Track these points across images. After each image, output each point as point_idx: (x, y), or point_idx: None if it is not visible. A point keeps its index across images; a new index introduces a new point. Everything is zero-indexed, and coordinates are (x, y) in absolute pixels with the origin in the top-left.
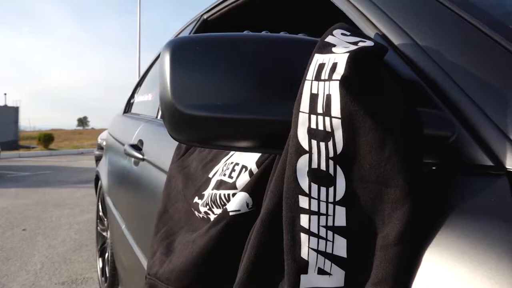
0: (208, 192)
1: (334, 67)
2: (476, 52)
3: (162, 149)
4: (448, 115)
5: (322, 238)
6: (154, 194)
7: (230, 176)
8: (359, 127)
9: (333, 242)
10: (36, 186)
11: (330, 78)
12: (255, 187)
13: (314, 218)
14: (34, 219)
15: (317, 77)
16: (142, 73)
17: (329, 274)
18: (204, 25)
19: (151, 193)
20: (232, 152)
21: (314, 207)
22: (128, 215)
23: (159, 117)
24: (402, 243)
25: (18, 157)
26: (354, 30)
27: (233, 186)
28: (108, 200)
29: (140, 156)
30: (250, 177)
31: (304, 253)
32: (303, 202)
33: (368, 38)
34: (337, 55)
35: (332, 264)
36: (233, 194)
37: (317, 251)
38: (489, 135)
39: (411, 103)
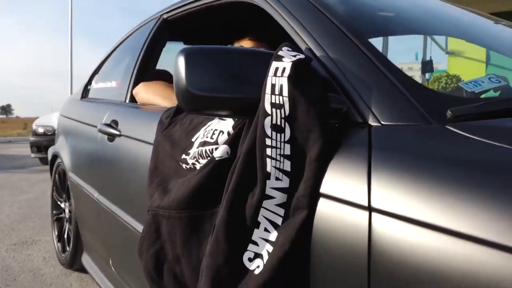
0: (194, 150)
1: (284, 69)
2: (356, 61)
3: (139, 126)
4: (343, 97)
5: (278, 160)
6: (134, 161)
7: (211, 138)
8: (297, 102)
9: (283, 162)
10: None
11: (282, 75)
12: (232, 142)
13: (274, 150)
14: None
15: (275, 74)
16: (72, 57)
17: (281, 180)
18: (164, 24)
19: (131, 160)
20: (209, 123)
21: (274, 144)
22: (103, 183)
23: (127, 100)
24: (318, 161)
25: None
26: (294, 48)
27: (215, 143)
28: (73, 175)
29: (117, 133)
30: (228, 136)
31: (268, 168)
32: (268, 141)
33: (302, 52)
34: (285, 62)
35: (283, 175)
36: (216, 148)
37: (275, 167)
38: (362, 107)
39: (324, 90)
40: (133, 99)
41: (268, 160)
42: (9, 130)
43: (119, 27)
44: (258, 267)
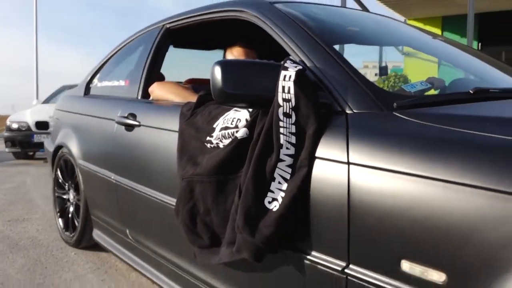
0: (216, 133)
1: (290, 76)
2: (334, 70)
3: (159, 117)
4: (327, 94)
5: (287, 135)
6: (155, 145)
7: (231, 123)
8: (299, 98)
9: (291, 137)
10: None
11: (289, 80)
12: (250, 126)
13: (285, 129)
14: None
15: (284, 79)
16: (37, 54)
17: (289, 149)
18: (167, 33)
19: (152, 145)
20: (226, 114)
21: (284, 125)
22: (123, 165)
23: (139, 97)
24: (314, 136)
25: None
26: (295, 61)
27: (235, 127)
28: (84, 162)
29: (137, 123)
30: (246, 122)
31: (281, 141)
32: (281, 123)
33: (299, 64)
34: (290, 71)
35: (291, 145)
36: (237, 131)
37: (286, 141)
38: (340, 101)
39: (315, 90)
40: (144, 97)
41: (281, 136)
42: None
43: (85, 22)
44: (275, 206)
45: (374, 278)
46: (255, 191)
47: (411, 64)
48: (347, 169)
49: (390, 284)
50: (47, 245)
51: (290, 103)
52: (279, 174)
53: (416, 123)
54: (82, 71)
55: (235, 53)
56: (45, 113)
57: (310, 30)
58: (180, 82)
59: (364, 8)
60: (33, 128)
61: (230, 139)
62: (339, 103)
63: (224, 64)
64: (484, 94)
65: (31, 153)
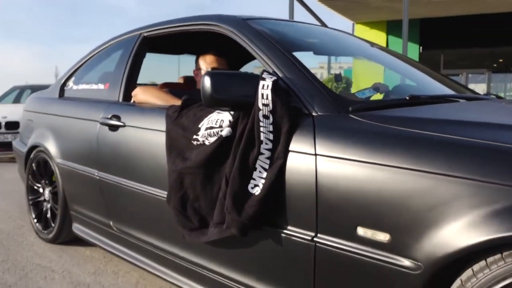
0: (202, 132)
1: (268, 85)
2: (301, 79)
3: (144, 118)
4: (296, 99)
5: (266, 133)
6: (140, 144)
7: (216, 123)
8: (275, 103)
9: (269, 135)
10: None
11: (267, 88)
12: (233, 126)
13: (264, 128)
14: None
15: (262, 88)
16: None
17: (268, 144)
18: (144, 41)
19: (137, 143)
20: (209, 115)
21: (264, 125)
22: (107, 162)
23: (120, 100)
24: (287, 133)
25: None
26: (270, 72)
27: (220, 126)
28: (63, 161)
29: (121, 124)
30: (229, 122)
31: (261, 138)
32: (261, 124)
33: (274, 75)
34: (267, 81)
35: (269, 141)
36: (221, 130)
37: (265, 137)
38: (307, 105)
39: (287, 95)
40: (125, 100)
41: (261, 134)
42: None
43: (35, 17)
44: (257, 191)
45: (337, 242)
46: (240, 179)
47: (359, 65)
48: (315, 159)
49: (349, 246)
50: (7, 232)
51: (268, 107)
52: (259, 165)
53: (367, 123)
54: (31, 71)
55: (208, 60)
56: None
57: (280, 46)
58: (156, 85)
59: (323, 24)
60: None
61: (216, 137)
62: (306, 107)
63: (213, 75)
64: (417, 100)
65: None
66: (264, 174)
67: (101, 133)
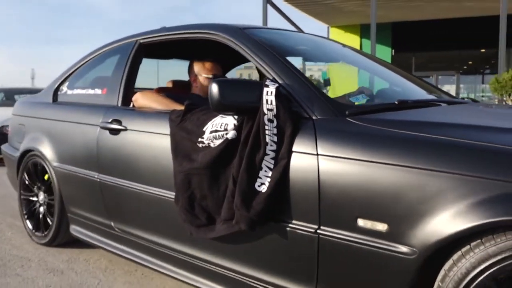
0: (207, 135)
1: (271, 92)
2: (301, 86)
3: (147, 122)
4: (297, 104)
5: (271, 136)
6: (143, 147)
7: (221, 127)
8: (279, 108)
9: (273, 137)
10: None
11: (271, 95)
12: (238, 129)
13: (269, 131)
14: None
15: (267, 94)
16: None
17: (272, 146)
18: (141, 48)
19: (140, 146)
20: (213, 119)
21: (269, 128)
22: (108, 165)
23: (119, 105)
24: (290, 136)
25: None
26: (271, 80)
27: (225, 130)
28: (60, 164)
29: (123, 128)
30: (234, 126)
31: (267, 140)
32: (266, 127)
33: (276, 82)
34: (271, 88)
35: (273, 143)
36: (226, 133)
37: (270, 140)
38: (307, 110)
39: (289, 101)
40: (124, 104)
41: (266, 136)
42: None
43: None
44: (263, 189)
45: (339, 233)
46: (248, 178)
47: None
48: (317, 159)
49: (351, 236)
50: None
51: (272, 112)
52: (265, 165)
53: (363, 125)
54: (6, 73)
55: (207, 67)
56: None
57: (278, 54)
58: (151, 89)
59: (298, 28)
60: None
61: (221, 140)
62: (307, 112)
63: (220, 82)
64: (405, 104)
65: None
66: (270, 173)
67: (101, 137)
